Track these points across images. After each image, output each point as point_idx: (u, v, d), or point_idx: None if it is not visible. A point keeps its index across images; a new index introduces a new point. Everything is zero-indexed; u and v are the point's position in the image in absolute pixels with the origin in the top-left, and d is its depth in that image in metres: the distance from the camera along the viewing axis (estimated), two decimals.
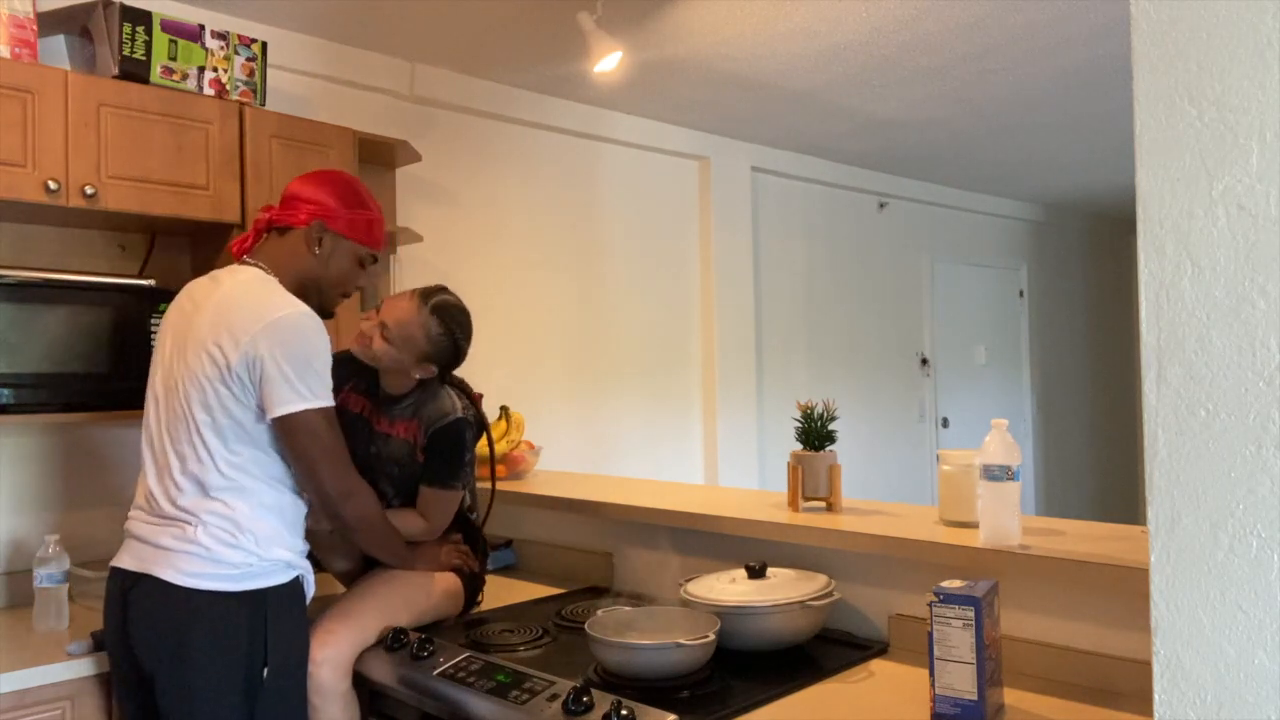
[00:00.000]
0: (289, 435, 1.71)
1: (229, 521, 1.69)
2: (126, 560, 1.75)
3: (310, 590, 1.84)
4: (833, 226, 4.97)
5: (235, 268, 1.84)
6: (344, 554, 2.14)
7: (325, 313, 1.90)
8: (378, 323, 2.03)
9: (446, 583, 2.10)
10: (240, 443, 1.72)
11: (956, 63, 3.40)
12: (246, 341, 1.68)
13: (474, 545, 2.23)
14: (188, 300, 1.84)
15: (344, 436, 2.10)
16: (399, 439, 2.11)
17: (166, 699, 1.67)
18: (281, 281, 1.82)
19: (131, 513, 1.81)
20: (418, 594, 2.03)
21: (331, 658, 1.84)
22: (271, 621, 1.71)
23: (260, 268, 1.84)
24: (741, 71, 3.42)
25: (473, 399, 2.20)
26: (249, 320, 1.69)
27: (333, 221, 1.86)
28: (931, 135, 4.39)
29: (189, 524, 1.69)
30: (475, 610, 2.20)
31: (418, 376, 2.08)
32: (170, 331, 1.82)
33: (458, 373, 2.22)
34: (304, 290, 1.86)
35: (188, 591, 1.66)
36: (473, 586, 2.18)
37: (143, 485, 1.80)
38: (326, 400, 1.74)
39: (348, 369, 2.16)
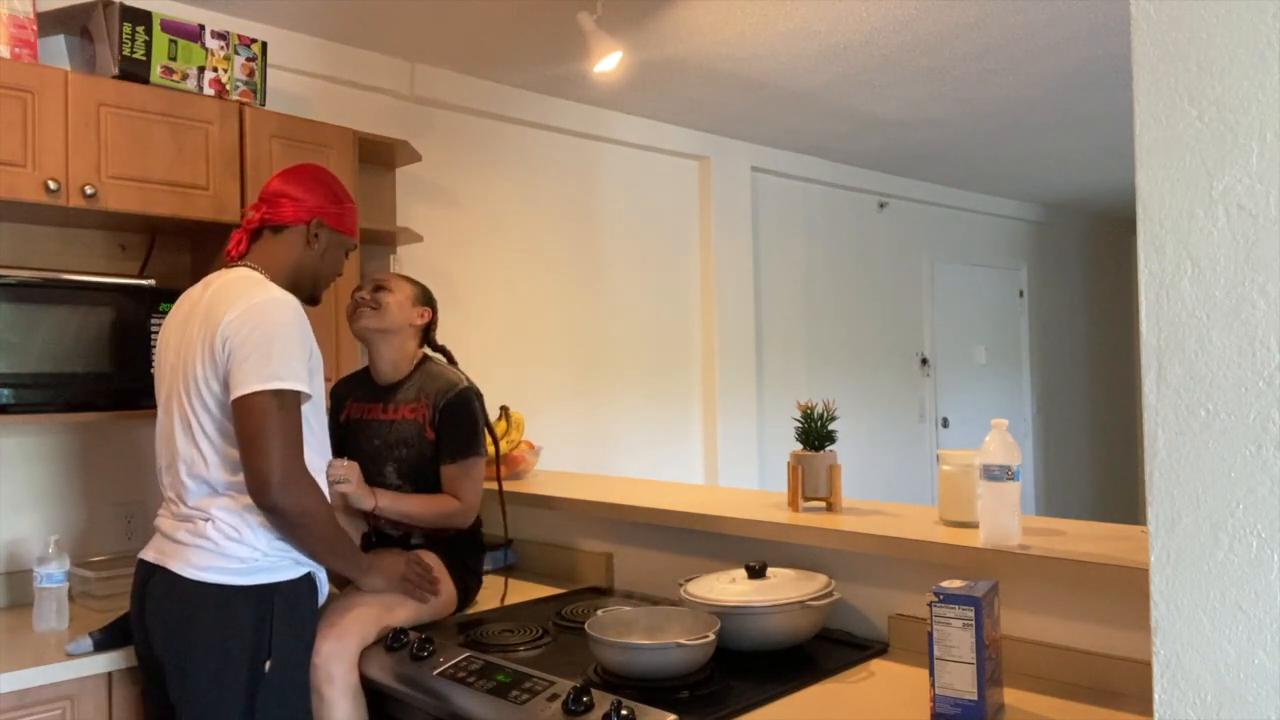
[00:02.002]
0: (240, 417, 1.68)
1: (237, 517, 1.73)
2: (150, 553, 1.81)
3: (324, 588, 1.86)
4: (833, 226, 4.97)
5: (224, 270, 1.88)
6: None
7: (315, 300, 2.01)
8: (370, 285, 2.19)
9: (444, 582, 2.10)
10: None
11: (956, 63, 3.40)
12: (223, 326, 1.71)
13: (474, 543, 2.23)
14: (185, 308, 1.87)
15: (350, 441, 2.17)
16: (405, 420, 2.17)
17: (173, 686, 1.72)
18: (275, 276, 1.87)
19: (160, 509, 1.86)
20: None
21: (341, 651, 1.85)
22: (277, 616, 1.73)
23: (250, 266, 1.87)
24: (741, 71, 3.42)
25: (454, 363, 2.30)
26: (230, 308, 1.73)
27: (328, 218, 1.94)
28: (931, 135, 4.39)
29: (201, 520, 1.74)
30: (474, 610, 2.21)
31: (418, 323, 2.22)
32: (171, 343, 1.86)
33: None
34: (299, 283, 1.92)
35: (195, 584, 1.70)
36: (470, 585, 2.19)
37: (160, 486, 1.86)
38: (287, 384, 1.69)
39: (345, 386, 2.34)
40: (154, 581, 1.76)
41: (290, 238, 1.91)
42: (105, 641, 1.91)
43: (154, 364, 1.96)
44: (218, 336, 1.71)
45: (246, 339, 1.70)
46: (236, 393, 1.68)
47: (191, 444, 1.75)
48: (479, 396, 2.20)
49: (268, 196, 1.92)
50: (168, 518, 1.81)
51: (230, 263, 1.91)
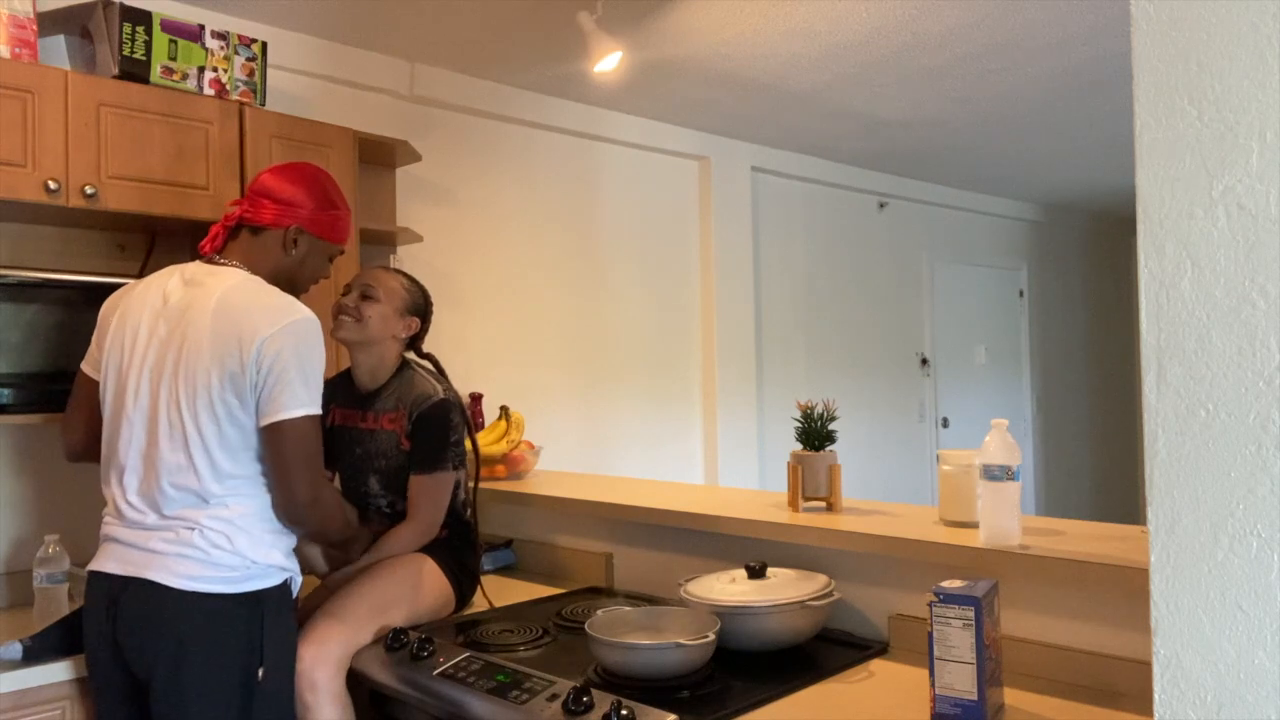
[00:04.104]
0: (281, 439, 1.67)
1: (228, 525, 1.68)
2: (111, 565, 1.70)
3: (296, 591, 1.84)
4: (833, 226, 4.97)
5: (211, 269, 1.79)
6: (326, 556, 2.13)
7: None
8: (358, 292, 2.15)
9: (438, 582, 2.10)
10: (244, 450, 1.70)
11: (956, 63, 3.40)
12: (259, 344, 1.65)
13: (468, 543, 2.23)
14: (155, 299, 1.77)
15: (336, 447, 2.23)
16: (385, 431, 2.16)
17: (162, 703, 1.65)
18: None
19: (106, 519, 1.76)
20: (410, 593, 2.03)
21: (325, 656, 1.84)
22: (266, 623, 1.71)
23: (240, 268, 1.80)
24: (741, 71, 3.42)
25: (441, 371, 2.26)
26: (263, 324, 1.67)
27: (310, 224, 1.87)
28: (931, 135, 4.39)
29: (184, 528, 1.67)
30: (473, 610, 2.20)
31: (402, 336, 2.18)
32: (141, 338, 1.74)
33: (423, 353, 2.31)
34: (276, 284, 1.83)
35: (184, 594, 1.64)
36: (466, 586, 2.18)
37: (115, 493, 1.74)
38: (318, 408, 1.72)
39: (329, 389, 2.26)
40: (128, 595, 1.67)
41: (267, 241, 1.84)
42: (36, 651, 1.81)
43: (95, 355, 1.83)
44: (252, 351, 1.65)
45: (289, 361, 1.66)
46: (278, 416, 1.66)
47: (181, 452, 1.67)
48: (457, 408, 2.15)
49: (252, 194, 1.84)
50: (123, 526, 1.71)
51: (208, 258, 1.82)
